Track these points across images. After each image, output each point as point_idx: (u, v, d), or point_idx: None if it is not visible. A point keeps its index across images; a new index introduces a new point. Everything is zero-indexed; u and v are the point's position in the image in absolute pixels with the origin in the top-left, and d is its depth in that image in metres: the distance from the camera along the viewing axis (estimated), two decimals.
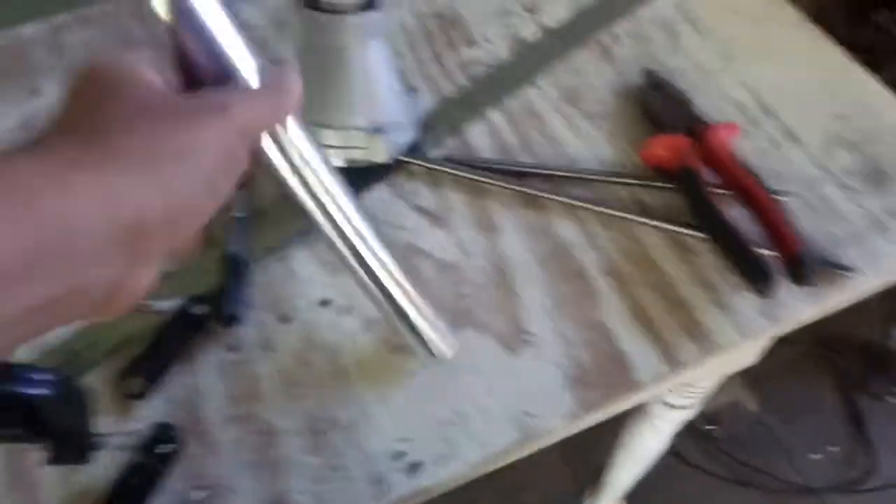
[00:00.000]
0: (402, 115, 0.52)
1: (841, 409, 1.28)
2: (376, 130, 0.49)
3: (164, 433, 0.40)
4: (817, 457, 1.23)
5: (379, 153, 0.49)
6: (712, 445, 1.22)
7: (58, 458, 0.35)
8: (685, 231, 0.50)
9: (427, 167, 0.54)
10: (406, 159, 0.53)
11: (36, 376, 0.33)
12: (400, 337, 0.46)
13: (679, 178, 0.51)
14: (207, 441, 0.42)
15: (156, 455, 0.38)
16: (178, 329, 0.45)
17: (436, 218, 0.52)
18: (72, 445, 0.35)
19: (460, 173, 0.53)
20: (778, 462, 1.21)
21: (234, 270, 0.48)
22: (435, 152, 0.55)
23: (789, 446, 1.23)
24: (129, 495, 0.37)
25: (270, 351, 0.45)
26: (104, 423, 0.41)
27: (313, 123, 0.50)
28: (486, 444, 0.42)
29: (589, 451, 1.14)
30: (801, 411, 1.27)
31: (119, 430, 0.40)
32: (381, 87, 0.49)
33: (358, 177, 0.53)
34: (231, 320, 0.45)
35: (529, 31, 0.64)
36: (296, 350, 0.45)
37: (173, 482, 0.40)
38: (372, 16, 0.46)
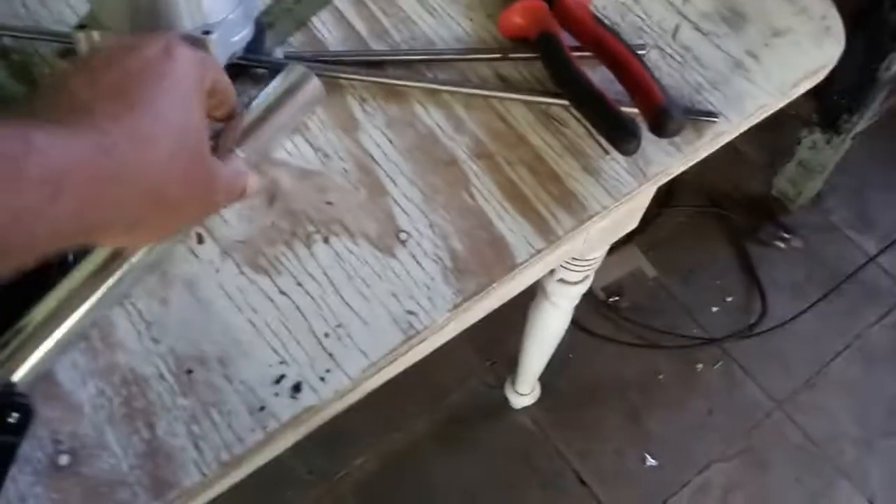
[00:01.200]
0: (234, 12, 0.46)
1: (734, 260, 1.34)
2: (205, 33, 0.44)
3: (10, 400, 0.36)
4: (716, 309, 1.29)
5: (222, 56, 0.44)
6: (618, 315, 1.27)
7: None
8: (550, 101, 0.48)
9: (270, 68, 0.49)
10: (245, 62, 0.48)
11: None
12: (266, 253, 0.43)
13: (538, 44, 0.48)
14: (65, 401, 0.38)
15: (6, 426, 0.35)
16: (18, 280, 0.40)
17: (283, 126, 0.47)
18: None
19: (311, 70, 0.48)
20: (680, 320, 1.27)
21: None
22: (278, 50, 0.50)
23: (689, 304, 1.29)
24: None
25: (124, 296, 0.41)
26: None
27: (135, 31, 0.44)
28: (369, 351, 0.40)
29: (503, 342, 1.16)
30: (698, 269, 1.33)
31: None
32: None
33: None
34: (74, 263, 0.41)
35: None
36: (150, 288, 0.41)
37: (33, 451, 0.37)
38: None
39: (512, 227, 0.44)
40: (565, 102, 0.48)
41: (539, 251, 0.44)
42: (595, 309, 1.26)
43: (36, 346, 0.38)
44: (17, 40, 0.50)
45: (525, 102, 0.49)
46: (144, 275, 0.41)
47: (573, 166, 0.47)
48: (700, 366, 1.25)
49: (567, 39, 0.49)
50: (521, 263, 0.43)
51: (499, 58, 0.50)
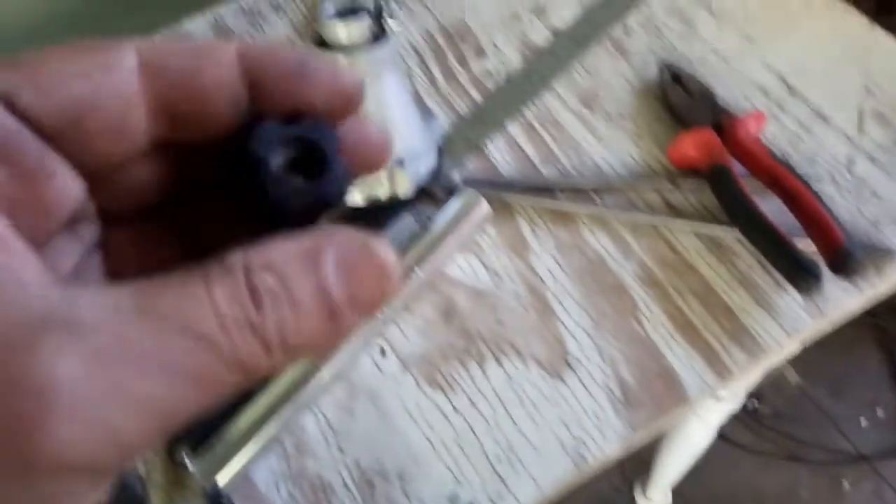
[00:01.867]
0: (422, 143, 0.50)
1: (886, 371, 1.25)
2: (397, 164, 0.48)
3: (219, 501, 0.39)
4: (865, 423, 1.20)
5: (402, 186, 0.48)
6: (757, 423, 1.20)
7: None
8: (721, 231, 0.49)
9: (448, 191, 0.52)
10: (428, 186, 0.52)
11: None
12: (442, 370, 0.45)
13: (710, 175, 0.49)
14: (261, 502, 0.41)
15: None
16: None
17: (456, 245, 0.50)
18: None
19: (484, 194, 0.51)
20: (825, 432, 1.19)
21: None
22: (456, 175, 0.54)
23: (836, 415, 1.21)
24: None
25: (314, 404, 0.45)
26: (157, 495, 0.41)
27: None
28: (540, 479, 0.41)
29: None
30: (846, 378, 1.25)
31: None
32: (399, 119, 0.48)
33: (381, 213, 0.52)
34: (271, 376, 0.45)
35: (539, 35, 0.62)
36: (338, 398, 0.45)
37: None
38: (382, 48, 0.45)
39: (682, 360, 0.45)
40: (737, 233, 0.48)
41: (711, 387, 0.44)
42: (733, 415, 1.21)
43: (238, 452, 0.42)
44: None
45: (694, 231, 0.49)
46: (333, 384, 0.45)
47: (745, 299, 0.47)
48: (847, 484, 1.16)
49: (738, 169, 0.50)
50: (693, 397, 0.43)
51: (668, 186, 0.51)
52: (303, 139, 0.17)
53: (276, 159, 0.17)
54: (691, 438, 0.88)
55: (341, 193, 0.18)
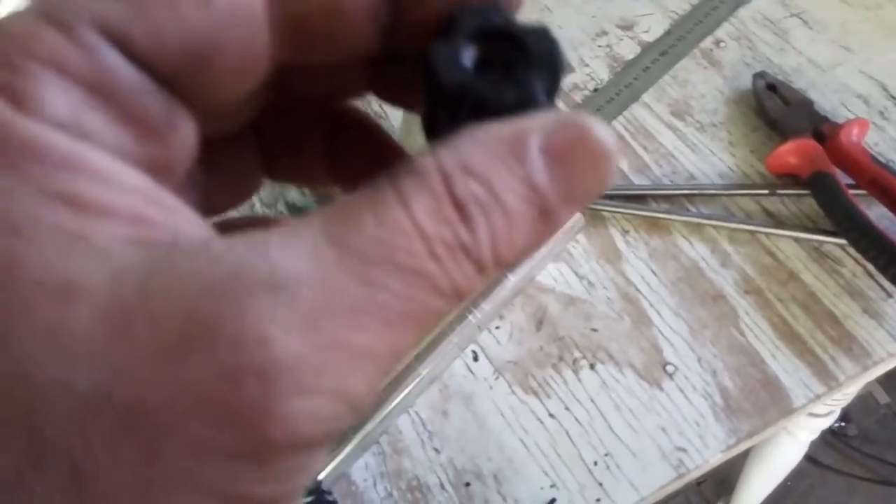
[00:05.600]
0: None
1: None
2: None
3: (322, 497, 0.40)
4: None
5: None
6: (844, 444, 1.14)
7: None
8: (824, 238, 0.47)
9: None
10: None
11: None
12: (535, 376, 0.45)
13: (811, 183, 0.48)
14: (359, 499, 0.42)
15: None
16: None
17: (550, 253, 0.51)
18: None
19: None
20: None
21: None
22: None
23: None
24: None
25: (410, 405, 0.45)
26: None
27: None
28: (640, 484, 0.41)
29: None
30: None
31: None
32: None
33: None
34: None
35: (627, 49, 0.62)
36: (432, 400, 0.45)
37: None
38: None
39: (787, 368, 0.43)
40: (841, 241, 0.47)
41: (818, 396, 0.42)
42: (819, 435, 1.15)
43: (337, 451, 0.43)
44: None
45: (795, 239, 0.48)
46: (428, 386, 0.45)
47: (852, 308, 0.45)
48: None
49: (840, 177, 0.48)
50: (799, 408, 0.42)
51: (766, 193, 0.50)
52: (500, 32, 0.14)
53: (468, 53, 0.14)
54: (780, 456, 0.84)
55: (551, 93, 0.14)
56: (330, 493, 0.41)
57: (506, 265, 0.13)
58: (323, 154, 0.19)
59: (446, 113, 0.14)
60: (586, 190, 0.13)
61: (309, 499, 0.40)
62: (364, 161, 0.19)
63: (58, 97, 0.11)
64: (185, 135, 0.13)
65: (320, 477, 0.42)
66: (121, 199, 0.11)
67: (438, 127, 0.14)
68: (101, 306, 0.11)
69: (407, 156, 0.17)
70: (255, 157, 0.18)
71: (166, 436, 0.11)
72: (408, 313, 0.12)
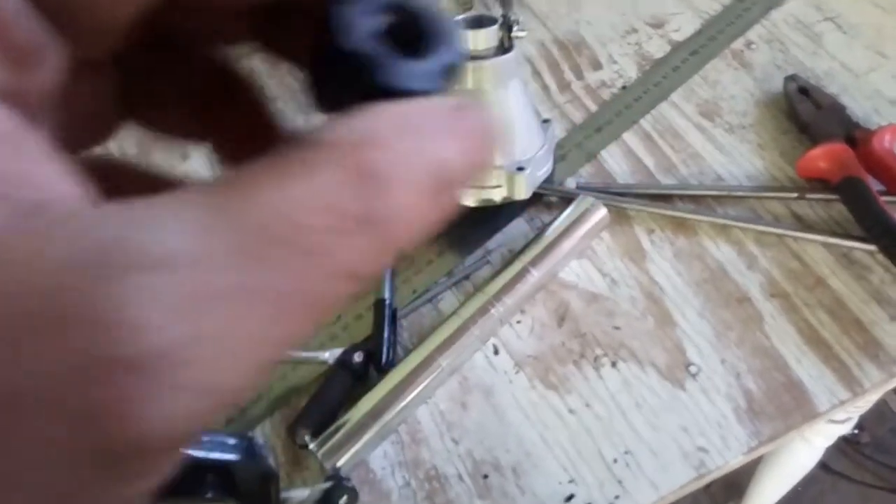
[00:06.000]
0: (539, 150, 0.51)
1: None
2: (518, 169, 0.49)
3: (340, 484, 0.40)
4: None
5: (520, 190, 0.49)
6: (856, 451, 1.13)
7: None
8: (853, 244, 0.47)
9: (562, 197, 0.53)
10: (542, 191, 0.52)
11: (225, 441, 0.34)
12: (556, 371, 0.45)
13: (842, 188, 0.48)
14: (377, 487, 0.42)
15: None
16: (339, 379, 0.46)
17: (574, 249, 0.50)
18: None
19: (599, 200, 0.51)
20: None
21: (386, 316, 0.48)
22: (570, 181, 0.54)
23: None
24: None
25: (428, 396, 0.45)
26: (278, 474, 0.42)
27: None
28: (660, 483, 0.40)
29: None
30: None
31: (294, 485, 0.41)
32: (520, 126, 0.49)
33: (494, 215, 0.53)
34: (387, 366, 0.46)
35: (657, 48, 0.62)
36: (451, 391, 0.45)
37: None
38: (507, 58, 0.46)
39: (811, 373, 0.43)
40: (870, 247, 0.46)
41: (843, 402, 0.42)
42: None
43: (356, 439, 0.43)
44: None
45: (824, 243, 0.48)
46: (447, 378, 0.45)
47: (880, 315, 0.44)
48: None
49: (872, 183, 0.48)
50: (823, 413, 0.42)
51: (795, 197, 0.50)
52: (404, 9, 0.14)
53: (370, 21, 0.13)
54: (794, 461, 0.83)
55: (447, 76, 0.14)
56: (348, 479, 0.41)
57: (408, 243, 0.12)
58: (193, 107, 0.17)
59: (339, 78, 0.13)
60: (480, 164, 0.12)
61: (328, 485, 0.40)
62: (237, 125, 0.17)
63: None
64: (56, 60, 0.12)
65: (339, 464, 0.42)
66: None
67: (327, 91, 0.14)
68: None
69: (283, 128, 0.15)
70: (114, 93, 0.16)
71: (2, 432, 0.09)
72: (302, 297, 0.10)
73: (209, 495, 0.34)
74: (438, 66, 0.14)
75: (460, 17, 0.48)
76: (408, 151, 0.11)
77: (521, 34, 0.48)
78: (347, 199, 0.11)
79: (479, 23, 0.48)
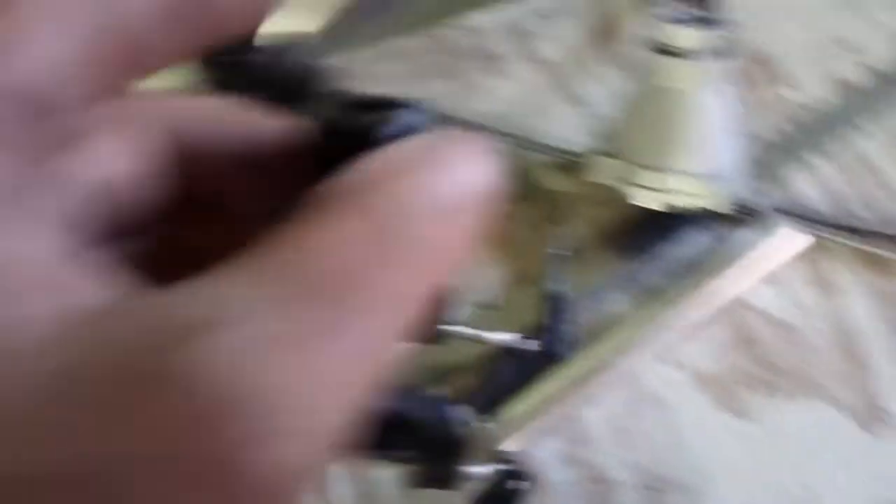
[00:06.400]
0: (734, 162, 0.49)
1: None
2: (713, 178, 0.47)
3: (516, 469, 0.39)
4: None
5: (715, 201, 0.47)
6: None
7: (427, 481, 0.35)
8: None
9: (750, 215, 0.50)
10: (726, 207, 0.50)
11: (421, 396, 0.33)
12: (738, 395, 0.43)
13: None
14: (542, 480, 0.41)
15: (506, 491, 0.38)
16: (508, 364, 0.45)
17: (766, 273, 0.48)
18: (446, 469, 0.35)
19: (793, 226, 0.49)
20: None
21: (556, 308, 0.47)
22: (756, 199, 0.52)
23: None
24: None
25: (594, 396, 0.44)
26: None
27: (639, 164, 0.48)
28: None
29: None
30: None
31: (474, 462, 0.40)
32: (722, 133, 0.47)
33: (672, 222, 0.51)
34: (558, 358, 0.45)
35: (850, 72, 0.59)
36: (623, 398, 0.44)
37: None
38: (722, 62, 0.44)
39: None
40: None
41: None
42: None
43: (525, 427, 0.42)
44: (513, 146, 0.57)
45: None
46: (619, 382, 0.44)
47: None
48: None
49: None
50: None
51: None
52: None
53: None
54: None
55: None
56: (515, 461, 0.40)
57: (451, 265, 0.12)
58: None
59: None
60: (493, 187, 0.12)
61: (505, 466, 0.39)
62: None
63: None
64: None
65: (506, 449, 0.41)
66: (39, 269, 0.11)
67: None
68: (27, 383, 0.10)
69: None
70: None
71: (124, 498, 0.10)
72: (370, 331, 0.11)
73: (398, 451, 0.33)
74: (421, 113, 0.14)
75: (666, 7, 0.46)
76: (421, 182, 0.12)
77: (730, 40, 0.46)
78: (373, 247, 0.11)
79: (699, 21, 0.46)
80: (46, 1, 0.11)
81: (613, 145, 0.50)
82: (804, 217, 0.50)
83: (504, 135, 0.57)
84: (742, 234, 0.50)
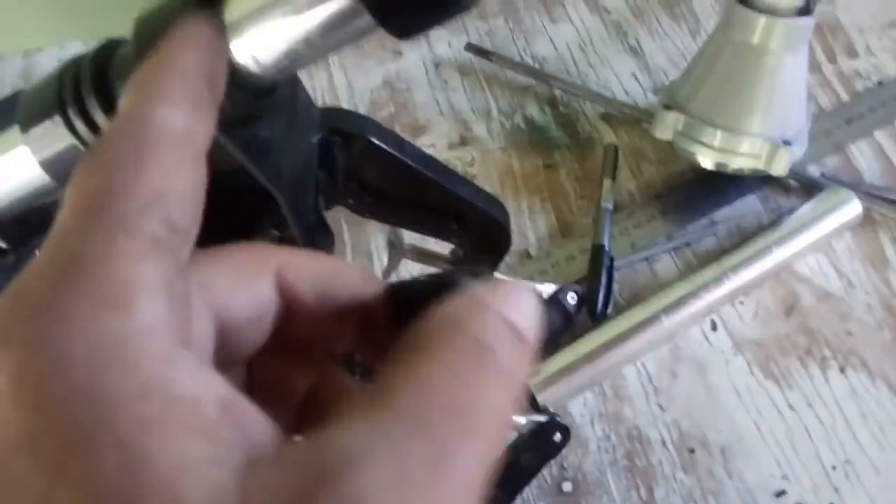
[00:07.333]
0: (801, 129, 0.48)
1: None
2: (784, 142, 0.45)
3: (555, 421, 0.40)
4: None
5: (779, 166, 0.46)
6: None
7: None
8: None
9: (805, 184, 0.49)
10: (789, 175, 0.49)
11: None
12: (778, 362, 0.43)
13: None
14: (575, 433, 0.41)
15: (552, 444, 0.39)
16: (549, 314, 0.44)
17: (816, 242, 0.47)
18: None
19: (846, 197, 0.48)
20: None
21: (602, 264, 0.47)
22: (812, 168, 0.51)
23: None
24: (519, 474, 0.38)
25: (636, 356, 0.44)
26: None
27: (705, 121, 0.46)
28: (880, 500, 0.38)
29: None
30: None
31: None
32: (797, 98, 0.46)
33: (726, 184, 0.50)
34: (600, 315, 0.45)
35: None
36: (661, 357, 0.44)
37: (547, 469, 0.40)
38: (806, 21, 0.43)
39: None
40: None
41: None
42: None
43: (564, 380, 0.42)
44: (566, 94, 0.56)
45: None
46: (661, 343, 0.44)
47: None
48: None
49: None
50: None
51: None
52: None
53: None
54: None
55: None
56: (551, 412, 0.40)
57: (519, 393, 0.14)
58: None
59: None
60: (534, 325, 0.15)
61: (543, 418, 0.39)
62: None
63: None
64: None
65: (543, 400, 0.41)
66: (202, 422, 0.12)
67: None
68: None
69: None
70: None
71: None
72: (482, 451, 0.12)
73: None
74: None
75: None
76: (498, 317, 0.14)
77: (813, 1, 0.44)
78: (475, 373, 0.13)
79: None
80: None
81: (677, 100, 0.48)
82: (858, 189, 0.49)
83: (559, 81, 0.56)
84: (795, 202, 0.49)
